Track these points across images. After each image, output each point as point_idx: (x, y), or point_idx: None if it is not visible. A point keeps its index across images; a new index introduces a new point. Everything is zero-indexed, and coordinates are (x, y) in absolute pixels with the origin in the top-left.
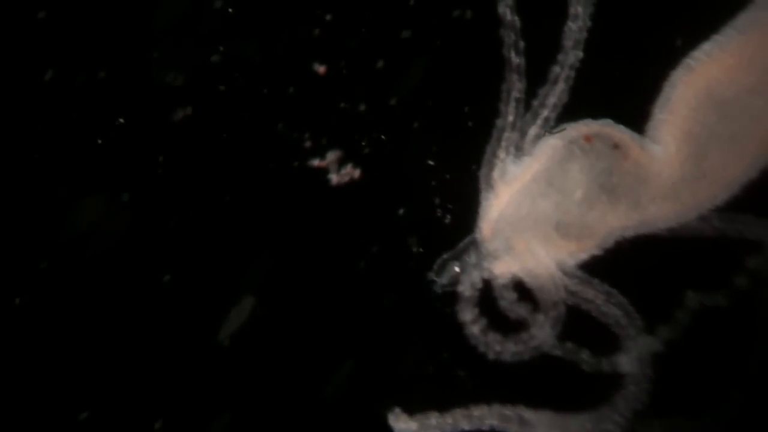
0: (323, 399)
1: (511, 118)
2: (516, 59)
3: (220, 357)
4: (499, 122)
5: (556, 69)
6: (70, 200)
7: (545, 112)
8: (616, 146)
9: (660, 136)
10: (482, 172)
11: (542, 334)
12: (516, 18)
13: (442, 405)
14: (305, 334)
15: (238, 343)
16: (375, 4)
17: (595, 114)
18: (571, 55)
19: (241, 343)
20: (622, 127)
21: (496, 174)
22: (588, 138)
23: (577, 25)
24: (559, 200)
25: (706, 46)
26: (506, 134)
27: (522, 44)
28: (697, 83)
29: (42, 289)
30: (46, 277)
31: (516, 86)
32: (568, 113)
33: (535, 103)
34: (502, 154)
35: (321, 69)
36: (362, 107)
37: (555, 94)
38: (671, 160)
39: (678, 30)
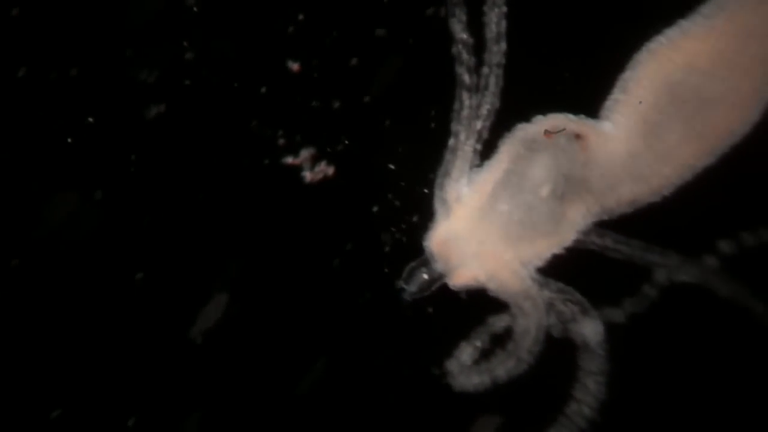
0: (296, 397)
1: (463, 137)
2: (468, 78)
3: (193, 354)
4: (450, 142)
5: (484, 70)
6: (42, 197)
7: (479, 123)
8: (577, 137)
9: (613, 116)
10: (435, 194)
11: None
12: (469, 36)
13: (416, 404)
14: (279, 332)
15: (211, 341)
16: (349, 2)
17: (546, 109)
18: (495, 51)
19: (215, 341)
20: (576, 117)
21: (449, 195)
22: (549, 134)
23: (495, 13)
24: (526, 200)
25: (670, 31)
26: (460, 153)
27: (474, 61)
28: (654, 65)
29: (13, 286)
30: (17, 274)
31: (468, 105)
32: (522, 111)
33: (465, 114)
34: (455, 174)
35: (295, 66)
36: (336, 105)
37: (488, 101)
38: (621, 139)
39: (644, 18)
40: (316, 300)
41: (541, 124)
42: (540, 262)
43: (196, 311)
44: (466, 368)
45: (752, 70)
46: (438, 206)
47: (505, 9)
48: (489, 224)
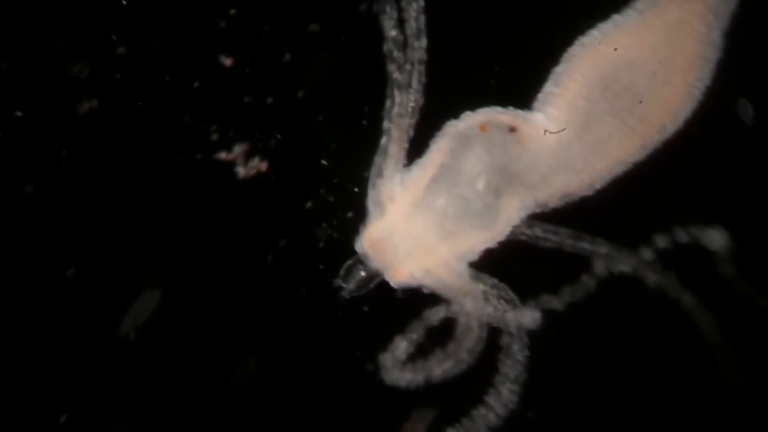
0: (228, 394)
1: (395, 135)
2: (399, 76)
3: (125, 351)
4: (383, 141)
5: (407, 67)
6: None
7: (405, 121)
8: (512, 129)
9: (545, 108)
10: (369, 194)
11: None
12: (399, 33)
13: (351, 399)
14: (212, 328)
15: (143, 337)
16: None
17: (479, 104)
18: (416, 47)
19: (147, 337)
20: (508, 109)
21: (383, 195)
22: (483, 127)
23: (414, 8)
24: (462, 194)
25: (604, 25)
26: (391, 152)
27: (405, 59)
28: (587, 59)
29: None
30: None
31: (399, 103)
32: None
33: (396, 112)
34: (388, 173)
35: (228, 61)
36: (269, 100)
37: (412, 98)
38: (553, 131)
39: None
40: (250, 296)
41: (474, 117)
42: (474, 257)
43: (128, 307)
44: (399, 363)
45: (683, 66)
46: (371, 206)
47: (422, 3)
48: (424, 220)
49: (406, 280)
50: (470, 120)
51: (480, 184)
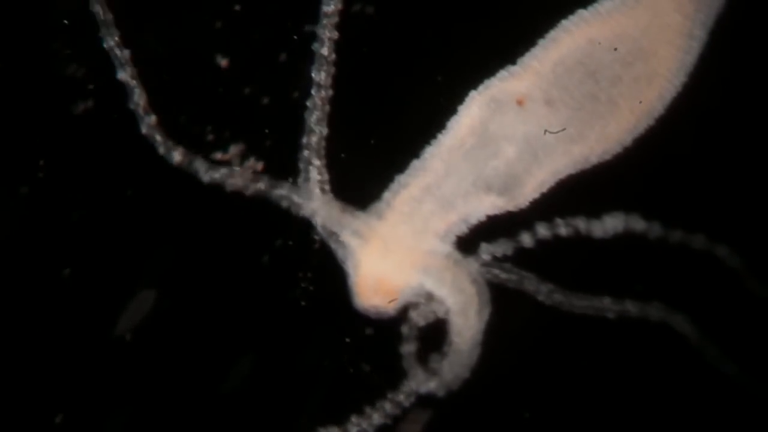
0: (223, 394)
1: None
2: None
3: (121, 351)
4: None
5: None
6: None
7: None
8: (548, 103)
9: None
10: (333, 248)
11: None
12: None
13: (345, 401)
14: (208, 329)
15: (139, 338)
16: None
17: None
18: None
19: (143, 338)
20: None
21: (350, 239)
22: (521, 101)
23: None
24: (490, 162)
25: (584, 11)
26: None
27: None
28: (563, 42)
29: None
30: None
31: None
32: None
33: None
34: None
35: (223, 62)
36: (265, 100)
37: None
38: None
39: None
40: (246, 297)
41: (510, 88)
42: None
43: (124, 307)
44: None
45: (660, 57)
46: (350, 244)
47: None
48: (418, 214)
49: (410, 289)
50: (504, 91)
51: (511, 153)
